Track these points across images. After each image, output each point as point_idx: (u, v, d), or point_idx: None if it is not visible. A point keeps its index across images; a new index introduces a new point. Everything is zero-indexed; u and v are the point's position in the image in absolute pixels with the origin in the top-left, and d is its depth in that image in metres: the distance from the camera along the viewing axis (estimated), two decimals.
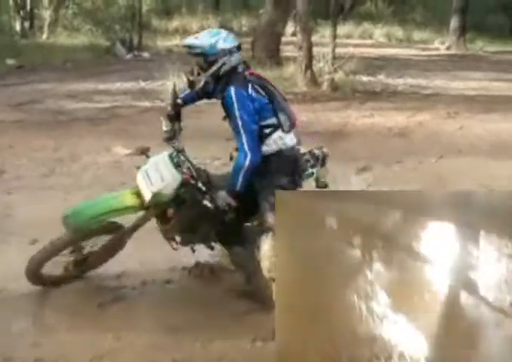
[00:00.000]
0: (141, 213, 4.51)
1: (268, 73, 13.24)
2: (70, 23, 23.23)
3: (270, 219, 4.22)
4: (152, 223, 4.63)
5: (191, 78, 4.40)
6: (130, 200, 4.43)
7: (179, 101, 4.62)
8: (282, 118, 4.34)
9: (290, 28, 21.46)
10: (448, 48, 23.98)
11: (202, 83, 4.39)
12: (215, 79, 4.38)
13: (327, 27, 17.74)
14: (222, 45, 4.29)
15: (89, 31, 21.97)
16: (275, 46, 16.45)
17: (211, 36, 4.33)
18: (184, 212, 4.44)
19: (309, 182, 4.70)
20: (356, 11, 32.81)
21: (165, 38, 22.42)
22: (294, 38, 15.45)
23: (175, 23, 26.78)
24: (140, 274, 4.94)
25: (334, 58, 13.39)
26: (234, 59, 4.36)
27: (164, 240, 4.68)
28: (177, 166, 4.39)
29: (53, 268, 4.59)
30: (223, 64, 4.31)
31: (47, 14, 22.84)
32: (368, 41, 26.01)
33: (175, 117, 4.55)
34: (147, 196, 4.34)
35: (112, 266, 4.88)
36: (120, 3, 22.75)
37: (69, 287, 4.71)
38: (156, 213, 4.49)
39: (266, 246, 4.28)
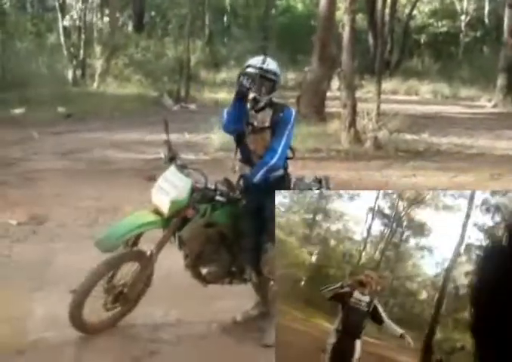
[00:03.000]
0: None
1: (312, 129, 13.40)
2: (120, 73, 23.85)
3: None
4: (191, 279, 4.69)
5: (255, 96, 4.58)
6: (150, 216, 4.71)
7: None
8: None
9: (335, 82, 21.69)
10: (494, 106, 23.82)
11: (262, 103, 4.63)
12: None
13: (373, 82, 17.84)
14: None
15: (138, 81, 22.50)
16: (319, 102, 16.64)
17: (278, 66, 4.73)
18: (199, 233, 4.70)
19: None
20: (402, 67, 33.02)
21: (212, 90, 22.72)
22: (339, 93, 15.52)
23: (223, 74, 27.22)
24: (176, 329, 4.96)
25: (379, 115, 13.42)
26: None
27: (201, 295, 4.81)
28: (184, 172, 4.74)
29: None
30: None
31: (98, 64, 23.46)
32: (414, 98, 26.07)
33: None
34: (166, 206, 4.59)
35: (148, 319, 4.95)
36: (169, 55, 23.28)
37: (104, 339, 4.73)
38: (175, 228, 4.68)
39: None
